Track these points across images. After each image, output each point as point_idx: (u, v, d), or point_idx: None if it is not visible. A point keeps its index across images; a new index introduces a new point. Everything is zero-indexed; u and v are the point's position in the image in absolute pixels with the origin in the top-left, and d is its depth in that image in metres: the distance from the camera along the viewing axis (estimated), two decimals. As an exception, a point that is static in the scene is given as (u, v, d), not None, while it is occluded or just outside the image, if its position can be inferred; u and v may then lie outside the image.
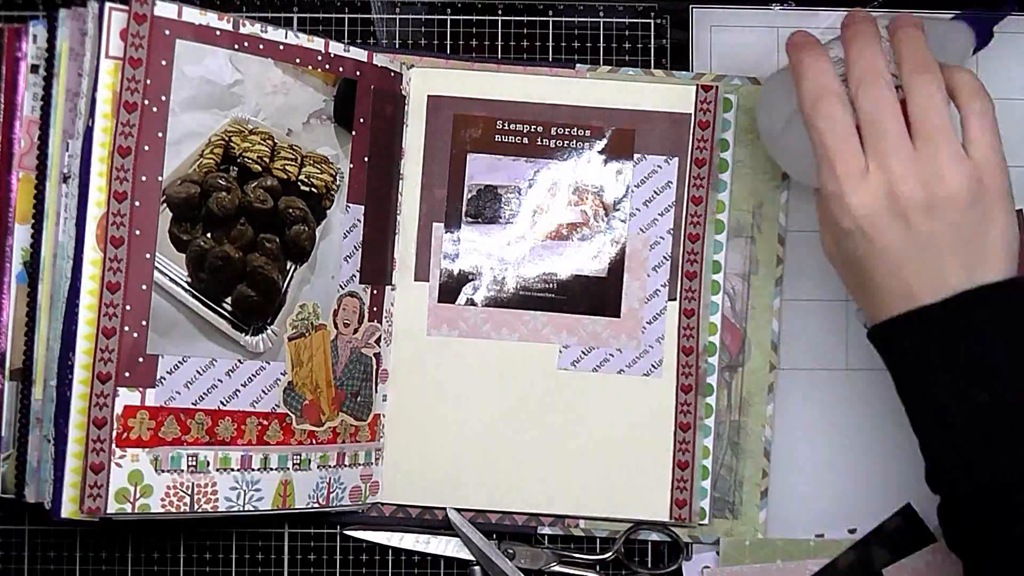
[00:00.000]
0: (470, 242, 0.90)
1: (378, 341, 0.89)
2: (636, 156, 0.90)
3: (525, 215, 0.90)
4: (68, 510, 0.78)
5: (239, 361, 0.82)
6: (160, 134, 0.79)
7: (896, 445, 0.91)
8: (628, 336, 0.90)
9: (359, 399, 0.88)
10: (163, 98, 0.79)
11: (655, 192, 0.90)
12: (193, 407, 0.80)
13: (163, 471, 0.79)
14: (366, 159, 0.87)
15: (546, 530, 0.91)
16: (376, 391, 0.89)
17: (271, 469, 0.83)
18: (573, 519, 0.91)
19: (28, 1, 0.91)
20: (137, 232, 0.78)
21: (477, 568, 0.90)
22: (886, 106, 0.71)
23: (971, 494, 0.69)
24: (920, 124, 0.71)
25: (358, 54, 0.87)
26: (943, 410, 0.70)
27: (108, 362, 0.77)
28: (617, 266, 0.90)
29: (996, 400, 0.69)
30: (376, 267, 0.89)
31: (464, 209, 0.91)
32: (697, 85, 0.90)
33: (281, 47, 0.84)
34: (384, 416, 0.90)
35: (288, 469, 0.84)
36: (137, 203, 0.78)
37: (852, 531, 0.90)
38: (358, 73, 0.87)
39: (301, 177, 0.84)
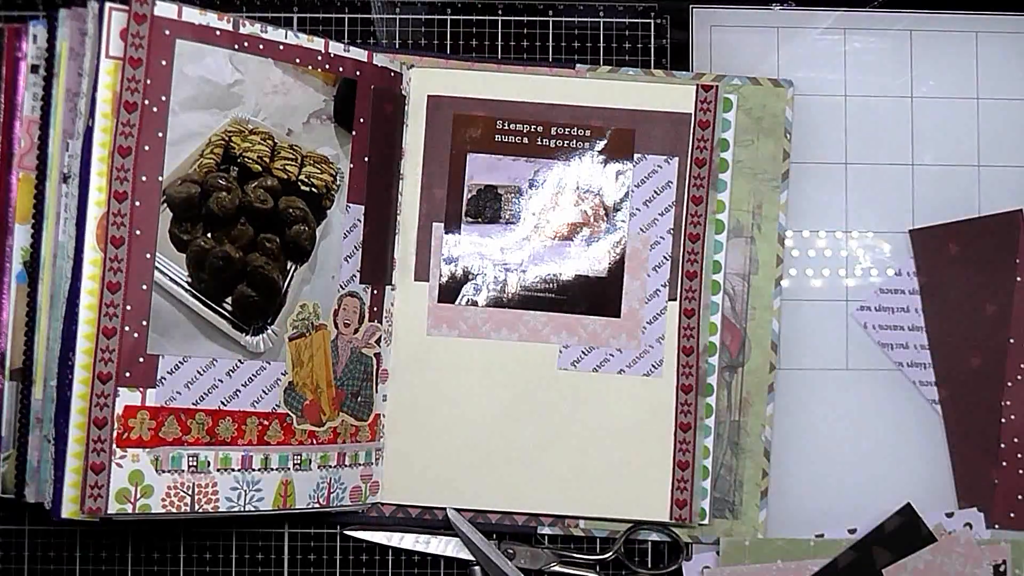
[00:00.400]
0: (470, 242, 0.90)
1: (378, 341, 0.89)
2: (636, 156, 0.90)
3: (525, 215, 0.90)
4: (68, 510, 0.77)
5: (239, 361, 0.82)
6: (160, 134, 0.79)
7: (896, 445, 0.91)
8: (628, 336, 0.90)
9: (359, 399, 0.88)
10: (163, 98, 0.79)
11: (655, 192, 0.90)
12: (194, 407, 0.80)
13: (164, 471, 0.79)
14: (366, 159, 0.87)
15: (546, 530, 0.91)
16: (376, 391, 0.89)
17: (272, 469, 0.83)
18: (573, 519, 0.91)
19: (28, 1, 0.91)
20: (137, 232, 0.78)
21: (477, 568, 0.90)
22: None
23: None
24: None
25: (358, 54, 0.87)
26: None
27: (108, 362, 0.77)
28: (617, 266, 0.90)
29: None
30: (376, 267, 0.89)
31: (464, 209, 0.91)
32: (697, 85, 0.90)
33: (281, 47, 0.84)
34: (384, 416, 0.90)
35: (289, 469, 0.84)
36: (137, 203, 0.78)
37: (852, 531, 0.90)
38: (358, 73, 0.87)
39: (301, 177, 0.84)
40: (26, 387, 0.82)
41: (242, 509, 0.82)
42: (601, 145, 0.90)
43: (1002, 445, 0.90)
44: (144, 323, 0.78)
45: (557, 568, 0.90)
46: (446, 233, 0.91)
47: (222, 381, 0.81)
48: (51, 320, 0.81)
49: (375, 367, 0.89)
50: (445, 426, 0.90)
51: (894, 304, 0.92)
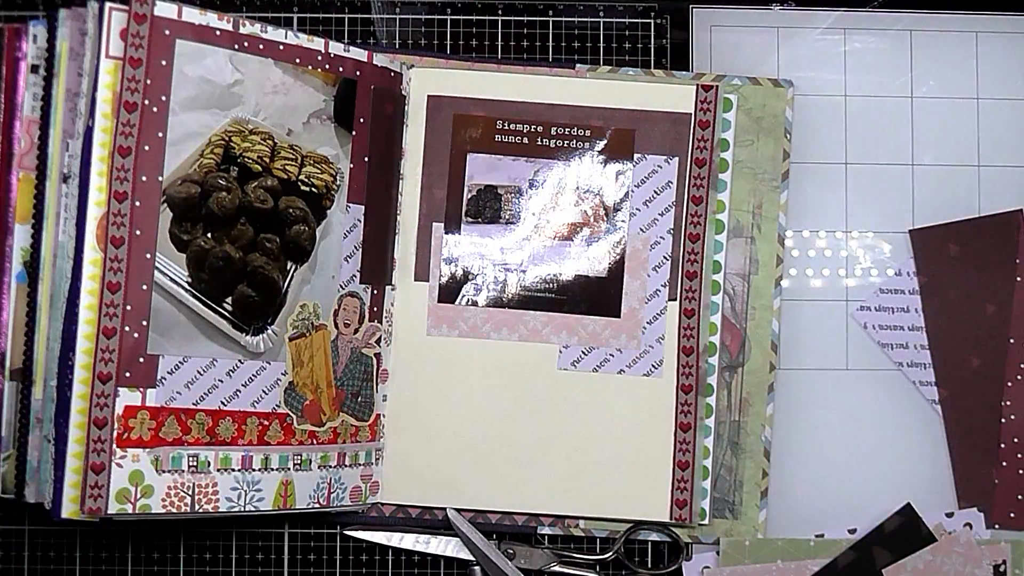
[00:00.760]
0: (470, 242, 0.90)
1: (378, 341, 0.89)
2: (636, 156, 0.90)
3: (525, 215, 0.90)
4: (68, 510, 0.77)
5: (240, 361, 0.82)
6: (160, 134, 0.79)
7: (896, 445, 0.91)
8: (628, 336, 0.90)
9: (360, 399, 0.88)
10: (163, 98, 0.79)
11: (655, 192, 0.90)
12: (194, 407, 0.80)
13: (164, 471, 0.79)
14: (366, 159, 0.87)
15: (546, 530, 0.91)
16: (376, 391, 0.89)
17: (272, 469, 0.83)
18: (573, 519, 0.91)
19: (28, 1, 0.91)
20: (137, 232, 0.78)
21: (477, 568, 0.90)
22: None
23: None
24: None
25: (358, 54, 0.87)
26: None
27: (109, 362, 0.77)
28: (617, 266, 0.90)
29: None
30: (376, 267, 0.89)
31: (464, 209, 0.91)
32: (697, 85, 0.90)
33: (281, 47, 0.84)
34: (384, 416, 0.90)
35: (289, 469, 0.84)
36: (137, 203, 0.78)
37: (852, 531, 0.90)
38: (358, 73, 0.87)
39: (301, 177, 0.84)
40: (26, 387, 0.82)
41: (242, 509, 0.82)
42: (601, 145, 0.90)
43: (1002, 445, 0.90)
44: (144, 323, 0.78)
45: (557, 568, 0.90)
46: (446, 233, 0.91)
47: (222, 381, 0.81)
48: (51, 320, 0.81)
49: (375, 367, 0.89)
50: (445, 426, 0.90)
51: (894, 304, 0.92)
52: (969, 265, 0.91)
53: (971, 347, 0.91)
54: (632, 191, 0.90)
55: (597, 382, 0.90)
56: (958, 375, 0.91)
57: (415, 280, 0.91)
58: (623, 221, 0.90)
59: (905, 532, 0.89)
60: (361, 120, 0.87)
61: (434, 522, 0.91)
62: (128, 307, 0.77)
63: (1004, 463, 0.90)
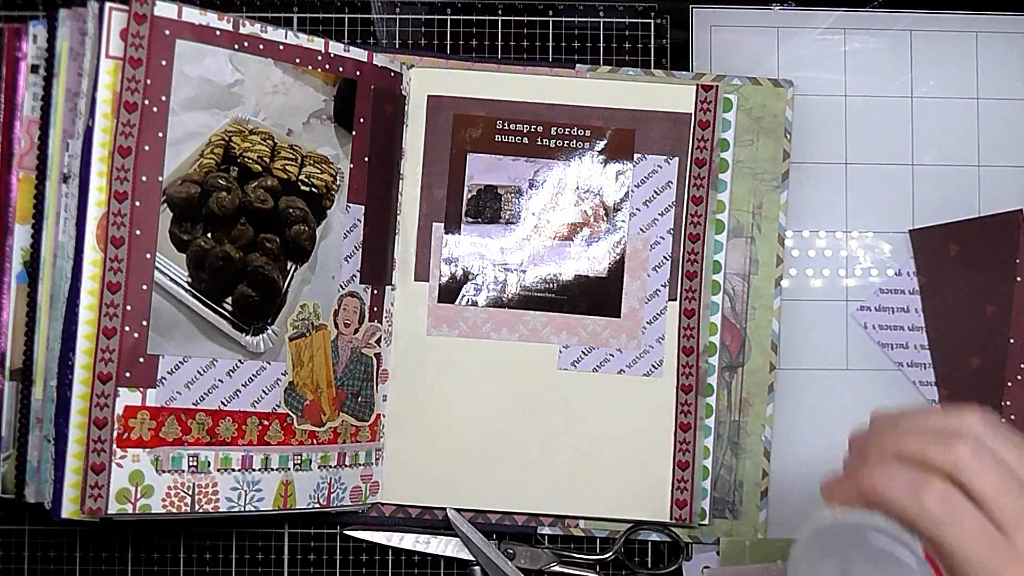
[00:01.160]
0: (470, 242, 0.90)
1: (378, 341, 0.89)
2: (636, 156, 0.90)
3: (525, 215, 0.90)
4: (68, 510, 0.77)
5: (240, 361, 0.82)
6: (160, 134, 0.79)
7: (896, 445, 0.91)
8: (628, 336, 0.90)
9: (360, 399, 0.88)
10: (163, 98, 0.79)
11: (655, 192, 0.90)
12: (194, 407, 0.80)
13: (164, 471, 0.79)
14: (366, 159, 0.87)
15: (546, 530, 0.91)
16: (376, 391, 0.89)
17: (272, 469, 0.83)
18: (573, 519, 0.91)
19: (28, 1, 0.91)
20: (138, 232, 0.78)
21: (477, 568, 0.90)
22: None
23: None
24: None
25: (358, 54, 0.87)
26: None
27: (109, 362, 0.77)
28: (617, 266, 0.90)
29: None
30: (376, 267, 0.89)
31: (464, 209, 0.91)
32: (697, 85, 0.90)
33: (281, 47, 0.84)
34: (384, 416, 0.90)
35: (289, 469, 0.84)
36: (137, 203, 0.78)
37: (852, 531, 0.90)
38: (358, 73, 0.87)
39: (301, 177, 0.84)
40: (26, 387, 0.82)
41: (242, 509, 0.82)
42: (601, 145, 0.90)
43: (1002, 445, 0.90)
44: (144, 323, 0.78)
45: (557, 568, 0.90)
46: (446, 233, 0.90)
47: (222, 381, 0.81)
48: (51, 320, 0.81)
49: (375, 367, 0.89)
50: (445, 426, 0.90)
51: (894, 304, 0.92)
52: (969, 265, 0.91)
53: (971, 347, 0.91)
54: (632, 191, 0.90)
55: (597, 382, 0.90)
56: (958, 375, 0.91)
57: (415, 280, 0.90)
58: (623, 221, 0.90)
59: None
60: (361, 120, 0.87)
61: (434, 522, 0.90)
62: (128, 307, 0.77)
63: (1004, 463, 0.90)
